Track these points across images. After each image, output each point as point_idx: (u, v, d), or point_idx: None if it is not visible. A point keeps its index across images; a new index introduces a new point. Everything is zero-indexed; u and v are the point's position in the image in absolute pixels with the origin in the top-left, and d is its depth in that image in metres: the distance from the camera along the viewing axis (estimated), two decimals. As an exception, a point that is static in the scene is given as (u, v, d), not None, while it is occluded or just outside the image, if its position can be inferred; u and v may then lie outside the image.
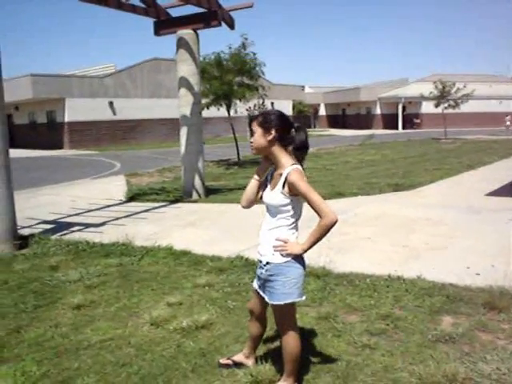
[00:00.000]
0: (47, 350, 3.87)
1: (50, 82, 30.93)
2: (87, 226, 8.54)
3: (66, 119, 32.35)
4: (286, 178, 2.84)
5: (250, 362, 3.47)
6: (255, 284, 3.22)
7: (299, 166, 2.90)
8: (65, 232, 8.07)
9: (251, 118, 3.05)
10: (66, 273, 5.74)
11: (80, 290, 5.18)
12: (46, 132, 34.23)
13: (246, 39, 16.88)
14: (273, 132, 2.90)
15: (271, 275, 2.96)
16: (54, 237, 7.64)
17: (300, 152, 2.98)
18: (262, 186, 3.10)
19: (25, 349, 3.90)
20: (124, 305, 4.72)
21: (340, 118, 59.16)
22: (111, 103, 34.31)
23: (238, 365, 3.47)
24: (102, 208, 10.34)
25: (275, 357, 3.47)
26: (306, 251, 2.90)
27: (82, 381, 3.37)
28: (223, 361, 3.52)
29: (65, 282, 5.45)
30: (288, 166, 2.88)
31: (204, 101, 16.19)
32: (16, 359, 3.73)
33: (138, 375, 3.43)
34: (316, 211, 2.78)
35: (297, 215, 2.97)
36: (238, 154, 19.44)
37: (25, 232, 7.88)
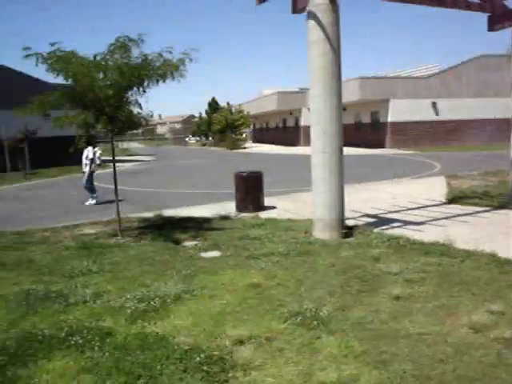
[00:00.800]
0: (367, 331, 4.19)
1: (376, 84, 32.38)
2: (406, 223, 8.75)
3: (389, 119, 33.38)
4: None
5: None
6: None
7: None
8: (385, 227, 8.45)
9: None
10: (387, 265, 6.03)
11: (399, 282, 5.40)
12: (369, 131, 35.97)
13: None
14: None
15: None
16: (375, 230, 8.09)
17: None
18: None
19: (348, 326, 4.30)
20: (442, 304, 4.73)
21: None
22: (434, 103, 33.88)
23: None
24: (421, 207, 10.42)
25: None
26: None
27: (398, 365, 3.55)
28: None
29: (385, 273, 5.75)
30: None
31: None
32: (341, 333, 4.15)
33: (453, 374, 3.43)
34: None
35: None
36: None
37: (349, 222, 8.54)
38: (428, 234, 7.58)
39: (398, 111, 33.12)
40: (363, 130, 36.88)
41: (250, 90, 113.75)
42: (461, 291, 5.05)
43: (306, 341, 4.03)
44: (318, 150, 7.77)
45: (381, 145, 33.91)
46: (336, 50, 7.55)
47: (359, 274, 5.76)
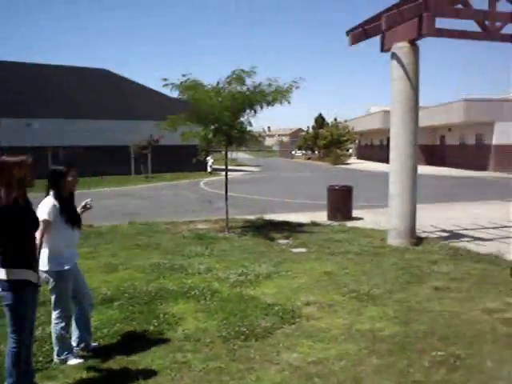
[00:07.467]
0: (403, 306, 5.60)
1: (481, 106, 32.09)
2: (475, 238, 9.83)
3: (494, 142, 32.91)
4: None
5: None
6: None
7: None
8: (454, 240, 9.63)
9: None
10: (439, 266, 7.35)
11: (443, 279, 6.70)
12: (472, 153, 35.52)
13: None
14: None
15: None
16: (443, 242, 9.32)
17: None
18: None
19: (390, 302, 5.76)
20: (471, 295, 6.01)
21: None
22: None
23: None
24: (498, 227, 11.27)
25: None
26: None
27: (415, 326, 4.96)
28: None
29: (436, 272, 7.08)
30: None
31: None
32: (382, 306, 5.61)
33: (453, 333, 4.78)
34: None
35: None
36: None
37: (422, 234, 9.80)
38: (488, 248, 8.67)
39: (505, 134, 32.57)
40: (466, 151, 36.53)
41: (356, 107, 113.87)
42: (490, 289, 6.26)
43: (355, 308, 5.56)
44: (395, 169, 9.15)
45: (483, 167, 33.43)
46: (414, 86, 8.90)
47: (414, 271, 7.14)
